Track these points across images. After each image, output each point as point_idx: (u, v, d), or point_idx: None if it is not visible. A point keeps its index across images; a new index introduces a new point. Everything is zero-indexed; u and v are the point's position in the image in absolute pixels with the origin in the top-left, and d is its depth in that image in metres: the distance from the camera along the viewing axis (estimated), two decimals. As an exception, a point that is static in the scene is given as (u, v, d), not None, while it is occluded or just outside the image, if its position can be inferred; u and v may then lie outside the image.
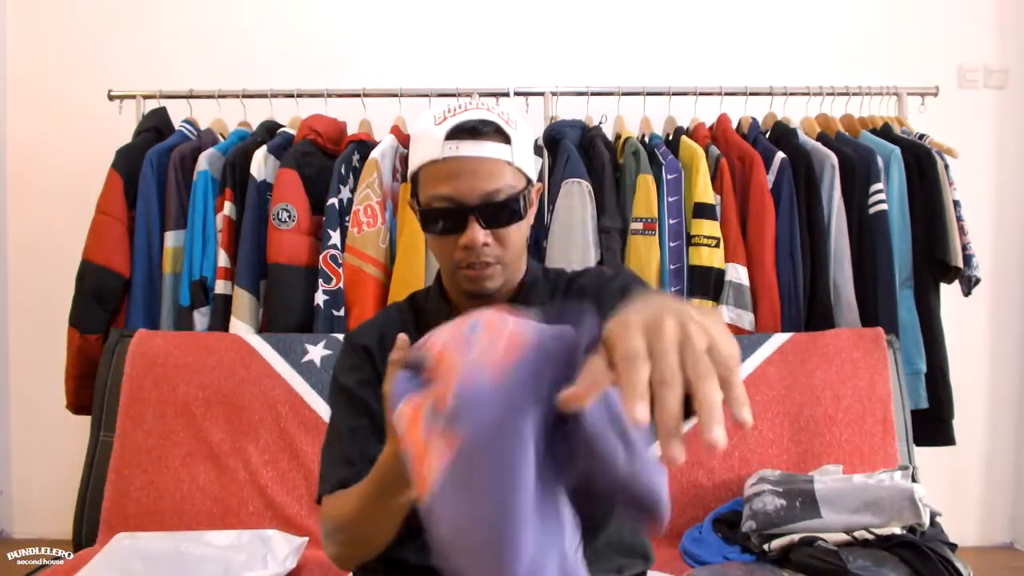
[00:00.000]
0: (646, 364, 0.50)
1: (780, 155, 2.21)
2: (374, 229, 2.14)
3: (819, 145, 2.26)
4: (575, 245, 2.09)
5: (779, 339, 1.96)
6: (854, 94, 2.45)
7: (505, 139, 1.02)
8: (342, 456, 1.05)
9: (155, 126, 2.38)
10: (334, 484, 1.03)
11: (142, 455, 1.81)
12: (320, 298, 2.11)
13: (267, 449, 1.82)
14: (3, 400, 2.92)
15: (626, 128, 2.40)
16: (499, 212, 1.02)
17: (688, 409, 0.49)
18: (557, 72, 2.55)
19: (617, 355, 0.51)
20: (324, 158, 2.27)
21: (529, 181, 1.07)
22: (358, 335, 1.14)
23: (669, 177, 2.18)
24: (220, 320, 2.15)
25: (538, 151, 2.36)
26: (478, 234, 1.01)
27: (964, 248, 2.24)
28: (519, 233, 1.06)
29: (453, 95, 2.40)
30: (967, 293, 2.30)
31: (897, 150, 2.24)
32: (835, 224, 2.19)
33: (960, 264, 2.20)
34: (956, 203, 2.25)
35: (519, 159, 1.03)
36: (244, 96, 2.43)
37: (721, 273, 2.15)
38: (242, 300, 2.13)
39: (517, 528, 0.52)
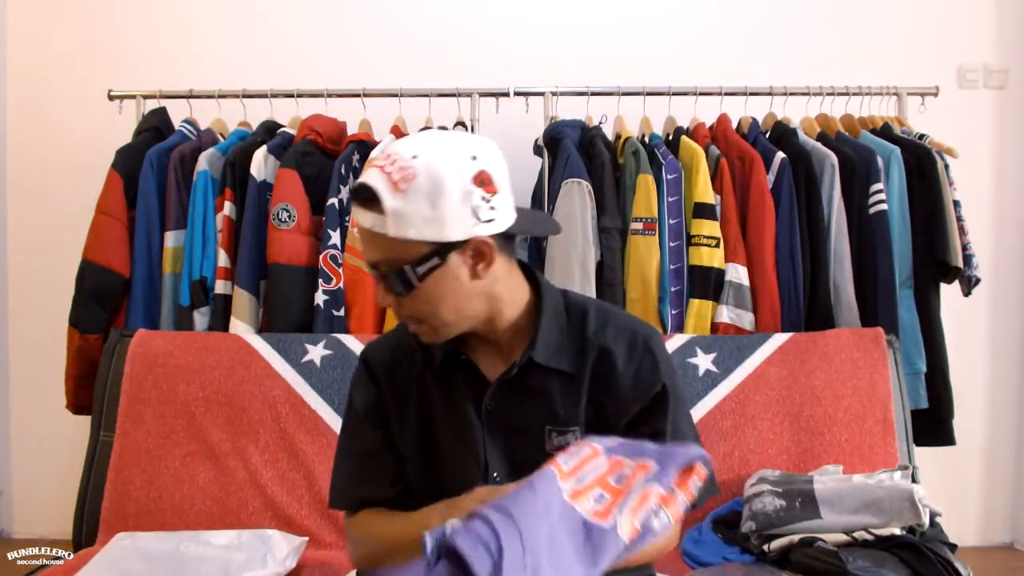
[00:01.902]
0: None
1: (780, 155, 2.21)
2: (374, 229, 2.13)
3: (819, 145, 2.26)
4: (575, 245, 2.09)
5: (779, 339, 1.96)
6: (854, 94, 2.45)
7: (379, 209, 0.90)
8: (357, 475, 1.10)
9: (155, 126, 2.38)
10: (355, 502, 1.09)
11: (142, 455, 1.81)
12: (320, 298, 2.11)
13: (267, 449, 1.82)
14: (3, 400, 2.92)
15: (626, 128, 2.40)
16: (386, 282, 0.97)
17: None
18: (557, 72, 2.54)
19: None
20: (324, 158, 2.27)
21: (438, 248, 0.92)
22: (372, 352, 1.15)
23: (669, 177, 2.18)
24: (220, 320, 2.15)
25: (538, 151, 2.36)
26: (381, 298, 0.99)
27: (964, 248, 2.23)
28: (428, 302, 0.96)
29: (453, 95, 2.40)
30: (967, 293, 2.30)
31: (897, 150, 2.24)
32: (835, 224, 2.18)
33: (960, 264, 2.20)
34: (956, 203, 2.25)
35: (401, 227, 0.90)
36: (244, 96, 2.42)
37: (721, 273, 2.15)
38: (242, 300, 2.13)
39: None
